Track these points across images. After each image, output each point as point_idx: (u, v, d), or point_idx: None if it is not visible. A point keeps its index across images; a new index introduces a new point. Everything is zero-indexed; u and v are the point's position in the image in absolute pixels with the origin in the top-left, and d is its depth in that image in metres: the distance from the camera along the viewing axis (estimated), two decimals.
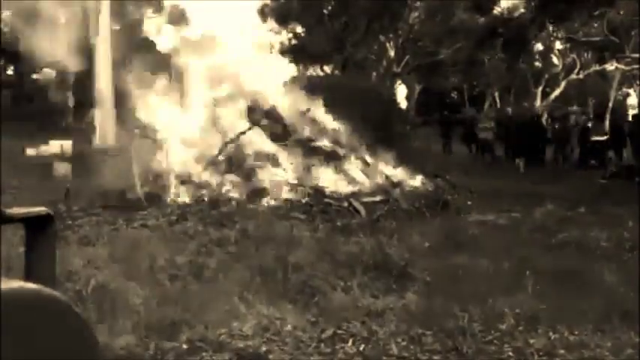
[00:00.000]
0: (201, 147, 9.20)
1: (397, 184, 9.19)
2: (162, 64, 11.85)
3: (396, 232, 6.59)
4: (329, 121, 10.16)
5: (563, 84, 25.86)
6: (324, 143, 9.71)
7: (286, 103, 10.03)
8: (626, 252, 5.56)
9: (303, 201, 8.12)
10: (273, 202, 8.07)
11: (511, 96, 29.89)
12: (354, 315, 3.91)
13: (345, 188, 8.71)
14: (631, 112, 26.58)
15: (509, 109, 23.54)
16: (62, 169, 12.52)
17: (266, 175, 8.67)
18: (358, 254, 5.19)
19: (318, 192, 8.44)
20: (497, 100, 30.22)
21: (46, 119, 21.52)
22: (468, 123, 20.07)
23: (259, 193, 8.28)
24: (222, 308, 3.98)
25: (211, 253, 5.46)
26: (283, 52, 25.66)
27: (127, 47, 14.76)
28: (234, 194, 8.23)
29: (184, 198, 8.18)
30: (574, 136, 17.69)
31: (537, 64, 28.88)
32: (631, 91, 32.86)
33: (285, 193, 8.36)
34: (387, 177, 9.50)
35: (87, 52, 17.34)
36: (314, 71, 25.10)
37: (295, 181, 8.69)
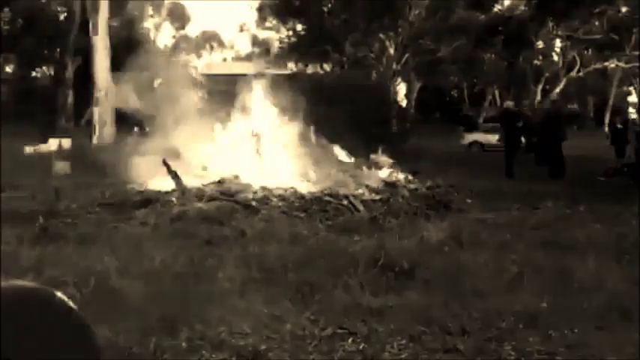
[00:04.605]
0: None
1: (395, 183, 9.18)
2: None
3: (395, 230, 6.59)
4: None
5: (563, 82, 25.85)
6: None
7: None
8: (626, 250, 5.56)
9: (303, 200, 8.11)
10: (273, 201, 8.07)
11: (511, 94, 29.90)
12: (354, 313, 3.91)
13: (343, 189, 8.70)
14: (631, 110, 26.58)
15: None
16: (61, 167, 12.52)
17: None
18: (358, 252, 5.18)
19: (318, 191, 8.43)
20: (497, 98, 30.23)
21: (46, 117, 21.47)
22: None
23: None
24: (222, 306, 3.98)
25: (211, 252, 5.46)
26: (283, 49, 25.64)
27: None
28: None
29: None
30: None
31: (537, 62, 28.87)
32: (631, 89, 32.86)
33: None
34: (383, 178, 9.50)
35: (86, 50, 17.33)
36: (313, 69, 25.09)
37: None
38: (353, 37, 22.46)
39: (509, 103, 15.40)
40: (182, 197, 8.10)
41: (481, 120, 30.47)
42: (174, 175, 8.44)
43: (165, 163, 8.54)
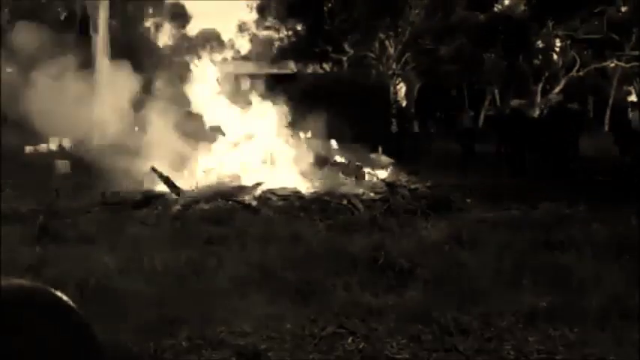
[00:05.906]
0: None
1: (395, 183, 9.18)
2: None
3: (395, 230, 6.59)
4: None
5: (563, 82, 25.82)
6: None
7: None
8: (626, 250, 5.55)
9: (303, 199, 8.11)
10: (273, 201, 8.07)
11: (510, 93, 29.85)
12: (354, 313, 3.92)
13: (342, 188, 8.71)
14: (631, 109, 26.52)
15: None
16: (62, 166, 12.53)
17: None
18: (358, 252, 5.18)
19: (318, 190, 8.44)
20: (497, 98, 30.21)
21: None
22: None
23: None
24: (222, 306, 3.98)
25: (211, 251, 5.46)
26: (283, 49, 25.65)
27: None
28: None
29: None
30: None
31: (537, 61, 28.83)
32: (631, 89, 32.85)
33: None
34: (383, 178, 9.51)
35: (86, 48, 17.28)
36: (314, 69, 25.10)
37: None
38: (353, 37, 22.47)
39: (519, 102, 14.78)
40: (181, 197, 8.11)
41: (481, 122, 30.44)
42: (166, 180, 8.42)
43: (154, 170, 8.51)
